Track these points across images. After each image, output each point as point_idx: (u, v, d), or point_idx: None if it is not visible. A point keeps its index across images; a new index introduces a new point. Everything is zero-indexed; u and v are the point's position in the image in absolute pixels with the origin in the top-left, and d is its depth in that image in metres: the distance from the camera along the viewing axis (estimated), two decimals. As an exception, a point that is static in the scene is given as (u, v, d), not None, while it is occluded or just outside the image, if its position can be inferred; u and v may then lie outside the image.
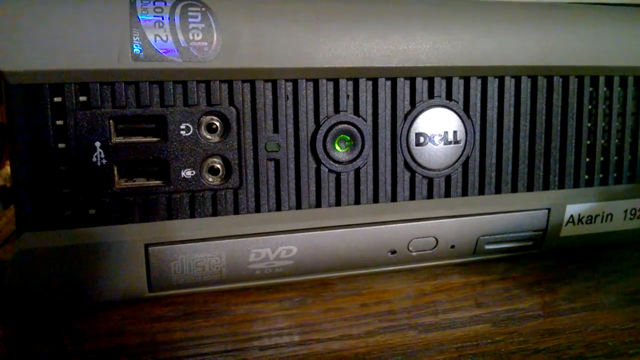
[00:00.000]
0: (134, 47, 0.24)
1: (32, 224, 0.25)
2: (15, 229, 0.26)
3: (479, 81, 0.30)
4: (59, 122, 0.25)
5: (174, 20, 0.25)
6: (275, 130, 0.28)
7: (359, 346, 0.24)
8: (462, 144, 0.30)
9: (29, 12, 0.24)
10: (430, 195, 0.30)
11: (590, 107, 0.32)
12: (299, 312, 0.27)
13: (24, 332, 0.25)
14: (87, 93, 0.25)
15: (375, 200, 0.30)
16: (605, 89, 0.32)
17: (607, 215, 0.33)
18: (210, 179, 0.27)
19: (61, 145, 0.25)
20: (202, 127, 0.26)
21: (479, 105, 0.30)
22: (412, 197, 0.30)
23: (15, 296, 0.26)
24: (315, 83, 0.28)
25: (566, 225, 0.33)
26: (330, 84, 0.28)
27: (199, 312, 0.27)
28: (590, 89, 0.32)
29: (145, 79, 0.25)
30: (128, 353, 0.24)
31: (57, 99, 0.24)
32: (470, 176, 0.31)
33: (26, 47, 0.23)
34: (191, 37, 0.25)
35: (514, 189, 0.32)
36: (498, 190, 0.31)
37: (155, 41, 0.24)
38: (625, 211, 0.34)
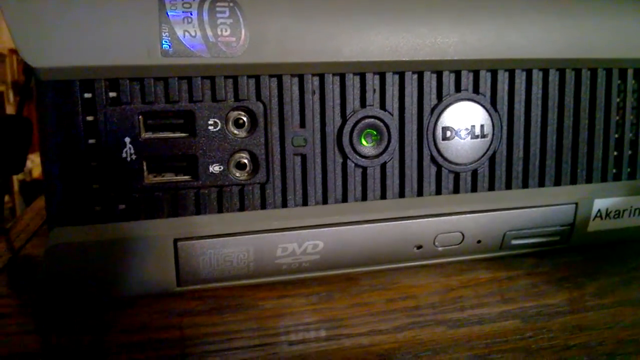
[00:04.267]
0: (163, 42, 0.24)
1: (63, 219, 0.25)
2: (46, 224, 0.26)
3: (507, 74, 0.30)
4: (89, 118, 0.25)
5: (203, 15, 0.25)
6: (302, 125, 0.28)
7: (388, 341, 0.24)
8: (489, 138, 0.30)
9: (59, 9, 0.24)
10: (456, 190, 0.30)
11: (618, 100, 0.32)
12: (326, 307, 0.27)
13: (54, 325, 0.25)
14: (117, 89, 0.25)
15: (402, 195, 0.29)
16: (633, 81, 0.32)
17: (635, 209, 0.33)
18: (237, 174, 0.27)
19: (91, 141, 0.25)
20: (230, 122, 0.27)
21: (506, 98, 0.30)
22: (438, 191, 0.30)
23: (46, 290, 0.26)
24: (342, 77, 0.28)
25: (594, 219, 0.32)
26: (357, 78, 0.28)
27: (227, 307, 0.27)
28: (619, 81, 0.32)
29: (174, 75, 0.25)
30: (157, 347, 0.24)
31: (88, 95, 0.25)
32: (497, 170, 0.31)
33: (56, 44, 0.24)
34: (219, 33, 0.25)
35: (541, 184, 0.31)
36: (525, 185, 0.31)
37: (184, 37, 0.25)
38: (654, 205, 0.33)
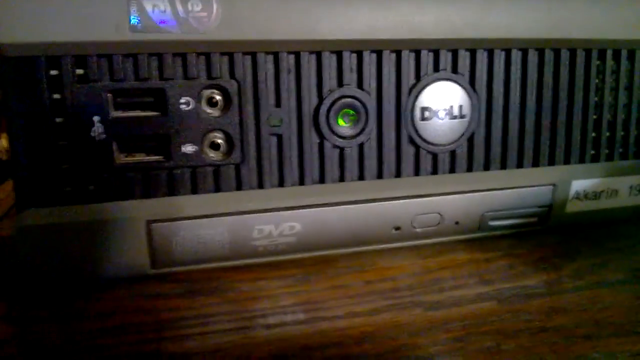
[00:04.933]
0: (132, 18, 0.23)
1: (32, 201, 0.25)
2: (15, 205, 0.25)
3: (486, 54, 0.29)
4: (56, 96, 0.24)
5: (173, -10, 0.24)
6: (278, 104, 0.27)
7: (366, 324, 0.24)
8: (467, 118, 0.30)
9: (23, -19, 0.23)
10: (434, 171, 0.30)
11: (597, 81, 0.32)
12: (303, 290, 0.27)
13: (25, 311, 0.25)
14: (85, 66, 0.24)
15: (380, 176, 0.29)
16: (612, 62, 0.32)
17: (613, 191, 0.33)
18: (211, 154, 0.27)
19: (59, 120, 0.24)
20: (203, 101, 0.26)
21: (485, 78, 0.30)
22: (416, 172, 0.30)
23: (16, 274, 0.25)
24: (318, 56, 0.27)
25: (571, 201, 0.32)
26: (334, 57, 0.27)
27: (203, 289, 0.27)
28: (598, 62, 0.31)
29: (143, 51, 0.24)
30: (131, 331, 0.23)
31: (54, 72, 0.24)
32: (476, 151, 0.30)
33: (22, 19, 0.23)
34: (190, 8, 0.24)
35: (520, 165, 0.31)
36: (503, 166, 0.31)
37: (153, 12, 0.24)
38: (631, 187, 0.33)
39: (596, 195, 0.33)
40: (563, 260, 0.30)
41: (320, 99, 0.27)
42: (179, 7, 0.24)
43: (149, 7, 0.24)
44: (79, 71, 0.24)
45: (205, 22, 0.24)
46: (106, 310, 0.25)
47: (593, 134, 0.32)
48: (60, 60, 0.24)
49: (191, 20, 0.24)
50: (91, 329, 0.23)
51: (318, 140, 0.28)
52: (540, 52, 0.30)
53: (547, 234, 0.33)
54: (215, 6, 0.24)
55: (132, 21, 0.23)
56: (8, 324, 0.24)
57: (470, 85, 0.29)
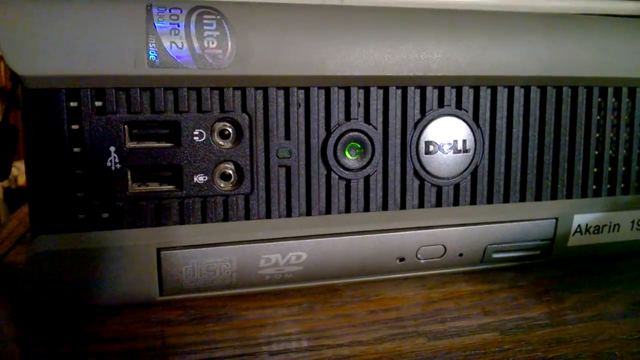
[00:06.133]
0: (150, 53, 0.25)
1: (46, 227, 0.25)
2: (29, 231, 0.26)
3: (489, 91, 0.30)
4: (75, 127, 0.25)
5: (190, 27, 0.25)
6: (287, 137, 0.28)
7: (369, 352, 0.24)
8: (471, 153, 0.30)
9: (46, 17, 0.24)
10: (439, 204, 0.31)
11: (598, 117, 0.33)
12: (308, 318, 0.27)
13: (36, 334, 0.25)
14: (103, 98, 0.25)
15: (385, 207, 0.30)
16: (613, 99, 0.33)
17: (615, 225, 0.34)
18: (222, 185, 0.27)
19: (76, 150, 0.25)
20: (215, 133, 0.27)
21: (488, 114, 0.31)
22: (421, 205, 0.30)
23: (28, 298, 0.26)
24: (327, 91, 0.28)
25: (574, 235, 0.33)
26: (342, 92, 0.28)
27: (209, 317, 0.27)
28: (599, 99, 0.32)
29: (160, 85, 0.25)
30: (139, 356, 0.24)
31: (73, 104, 0.25)
32: (479, 185, 0.31)
33: (43, 52, 0.24)
34: (206, 45, 0.25)
35: (522, 198, 0.32)
36: (506, 200, 0.31)
37: (171, 48, 0.25)
38: (633, 222, 0.34)
39: (598, 229, 0.33)
40: (565, 292, 0.30)
41: (328, 132, 0.28)
42: (196, 44, 0.25)
43: (167, 44, 0.25)
44: (98, 103, 0.25)
45: (220, 58, 0.25)
46: (114, 335, 0.25)
47: (595, 169, 0.33)
48: (80, 93, 0.25)
49: (207, 56, 0.25)
50: (97, 353, 0.24)
51: (325, 172, 0.29)
52: (542, 90, 0.31)
53: (549, 267, 0.33)
54: (229, 43, 0.25)
55: (151, 56, 0.24)
56: (18, 346, 0.25)
57: (474, 121, 0.30)
